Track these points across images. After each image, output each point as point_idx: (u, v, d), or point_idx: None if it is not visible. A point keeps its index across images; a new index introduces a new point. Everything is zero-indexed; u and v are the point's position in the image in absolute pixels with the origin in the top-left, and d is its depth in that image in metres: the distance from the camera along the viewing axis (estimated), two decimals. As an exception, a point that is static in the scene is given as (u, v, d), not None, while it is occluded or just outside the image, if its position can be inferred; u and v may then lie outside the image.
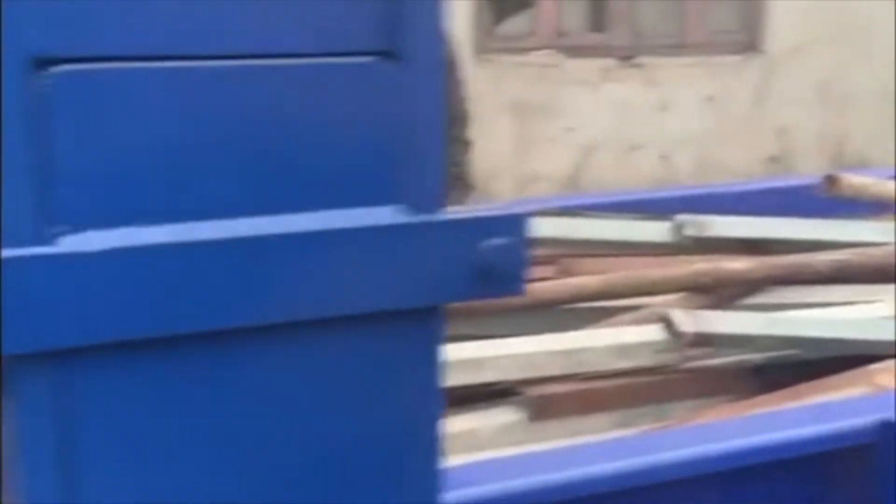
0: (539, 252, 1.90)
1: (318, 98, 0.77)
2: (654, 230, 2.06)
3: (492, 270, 0.82)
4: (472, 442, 1.57)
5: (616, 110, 4.48)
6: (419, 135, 0.80)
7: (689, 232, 2.05)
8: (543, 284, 1.84)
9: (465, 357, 1.64)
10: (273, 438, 0.82)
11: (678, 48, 4.61)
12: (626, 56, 4.53)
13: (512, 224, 0.82)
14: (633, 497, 1.27)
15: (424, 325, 0.83)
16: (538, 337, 1.75)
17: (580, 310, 1.88)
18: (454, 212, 0.82)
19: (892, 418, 1.37)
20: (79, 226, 0.73)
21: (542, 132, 4.37)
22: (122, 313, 0.74)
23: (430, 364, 0.85)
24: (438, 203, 0.81)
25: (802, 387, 1.68)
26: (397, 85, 0.79)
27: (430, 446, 0.87)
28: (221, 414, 0.79)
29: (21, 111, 0.69)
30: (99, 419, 0.78)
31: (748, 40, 4.65)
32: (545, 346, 1.74)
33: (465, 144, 2.80)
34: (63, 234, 0.72)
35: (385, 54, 0.77)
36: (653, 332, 1.80)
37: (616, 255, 2.03)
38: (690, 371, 1.78)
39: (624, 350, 1.78)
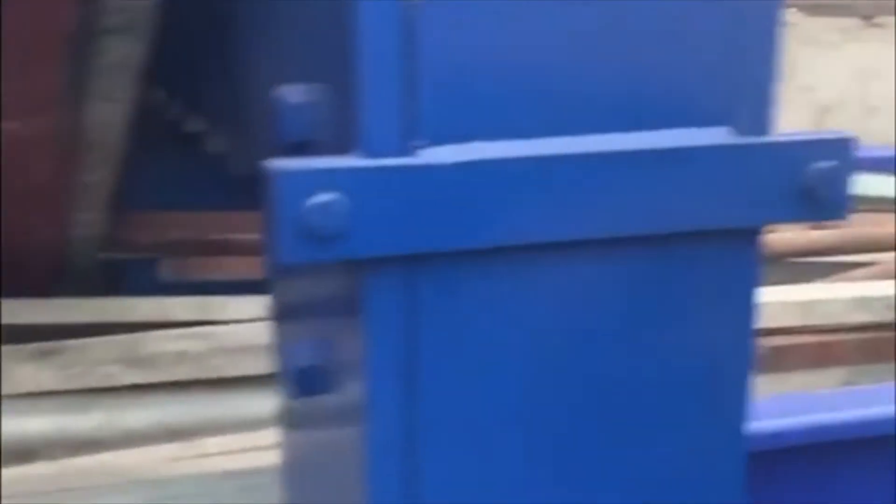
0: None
1: (656, 19, 0.80)
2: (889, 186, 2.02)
3: (815, 195, 0.83)
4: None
5: (855, 71, 4.37)
6: (752, 58, 0.81)
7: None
8: (779, 236, 1.83)
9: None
10: (598, 350, 0.85)
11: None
12: (868, 16, 4.41)
13: (838, 148, 0.83)
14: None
15: (744, 246, 0.85)
16: (774, 288, 1.74)
17: (815, 263, 1.86)
18: (780, 134, 0.83)
19: None
20: (437, 138, 0.77)
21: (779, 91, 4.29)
22: (473, 223, 0.78)
23: (747, 287, 0.86)
24: (767, 125, 0.82)
25: None
26: (732, 9, 0.80)
27: (742, 373, 0.88)
28: (553, 325, 0.83)
29: (394, 20, 0.73)
30: (442, 327, 0.82)
31: None
32: (781, 297, 1.73)
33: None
34: (422, 146, 0.77)
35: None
36: (890, 287, 1.77)
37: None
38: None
39: (861, 303, 1.75)
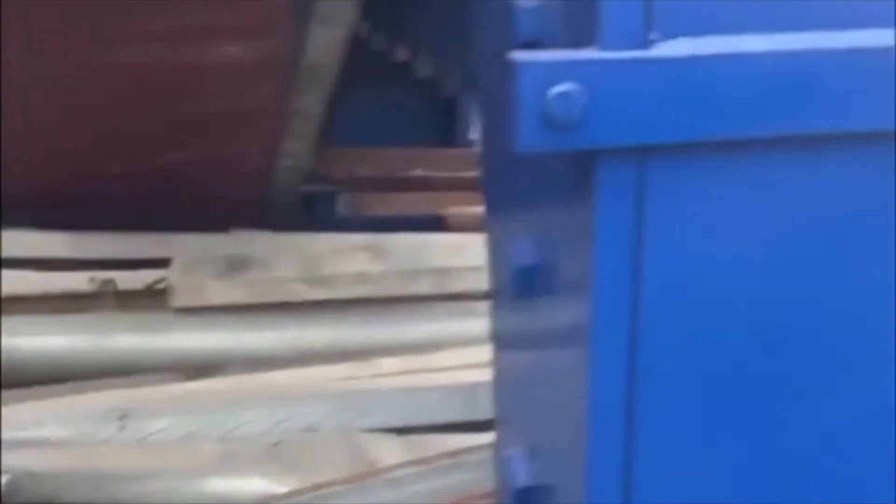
0: None
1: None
2: None
3: None
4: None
5: None
6: None
7: None
8: None
9: None
10: (838, 261, 0.86)
11: None
12: None
13: None
14: None
15: None
16: None
17: None
18: None
19: None
20: (673, 32, 0.79)
21: None
22: (706, 116, 0.80)
23: None
24: None
25: None
26: None
27: None
28: (790, 229, 0.85)
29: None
30: (669, 220, 0.85)
31: None
32: None
33: None
34: (659, 39, 0.79)
35: None
36: None
37: None
38: None
39: None
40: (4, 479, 1.57)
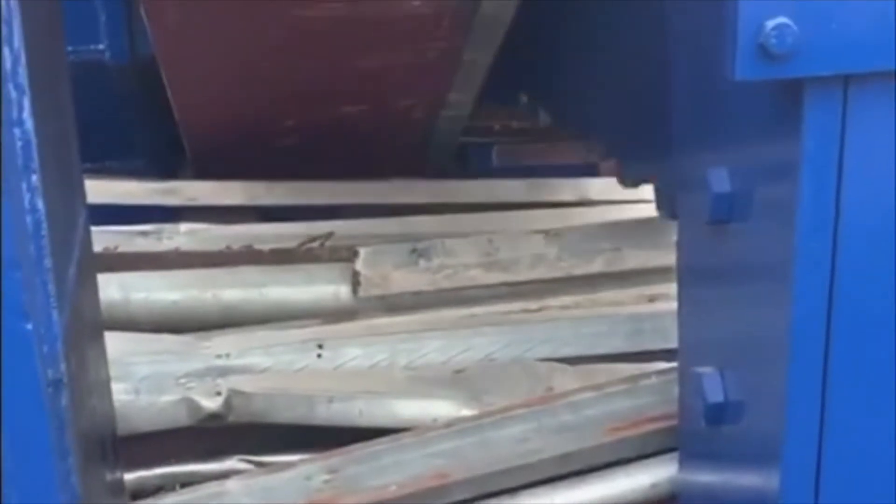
0: None
1: None
2: None
3: None
4: None
5: None
6: None
7: None
8: None
9: None
10: None
11: None
12: None
13: None
14: None
15: None
16: None
17: None
18: None
19: None
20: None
21: None
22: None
23: None
24: None
25: None
26: None
27: None
28: None
29: None
30: (868, 143, 0.94)
31: None
32: None
33: None
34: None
35: None
36: None
37: None
38: None
39: None
40: (221, 398, 1.74)
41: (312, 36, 2.09)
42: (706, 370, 1.28)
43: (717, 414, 1.27)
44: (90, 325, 1.35)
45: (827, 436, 1.10)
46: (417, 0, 1.88)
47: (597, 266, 2.23)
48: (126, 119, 2.83)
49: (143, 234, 2.26)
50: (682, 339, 1.43)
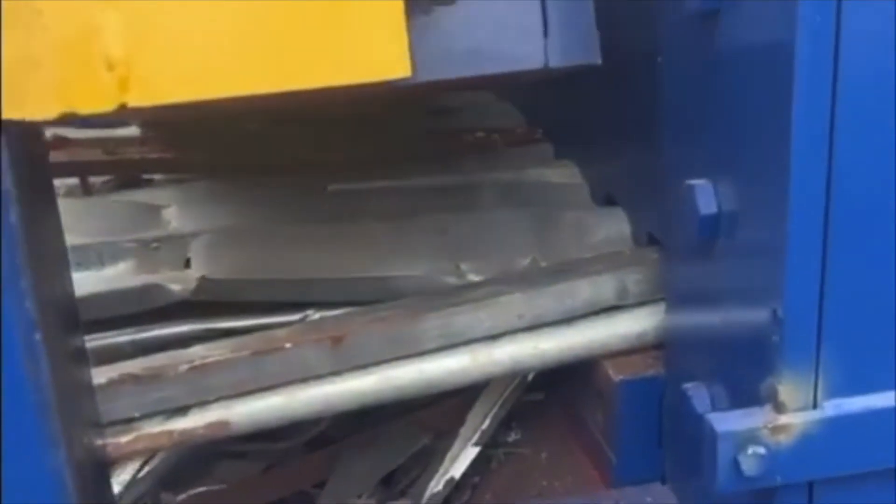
0: None
1: None
2: None
3: None
4: None
5: None
6: None
7: None
8: None
9: None
10: None
11: None
12: None
13: None
14: None
15: None
16: None
17: None
18: None
19: None
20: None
21: None
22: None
23: None
24: None
25: None
26: None
27: None
28: None
29: None
30: None
31: None
32: None
33: None
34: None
35: None
36: None
37: None
38: None
39: None
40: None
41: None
42: (697, 182, 1.22)
43: (710, 228, 1.21)
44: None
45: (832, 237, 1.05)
46: None
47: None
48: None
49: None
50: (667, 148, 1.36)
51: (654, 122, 1.38)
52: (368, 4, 1.01)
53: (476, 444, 1.63)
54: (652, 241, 1.60)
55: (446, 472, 1.63)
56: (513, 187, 1.85)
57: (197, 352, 1.42)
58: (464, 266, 1.62)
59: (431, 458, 1.68)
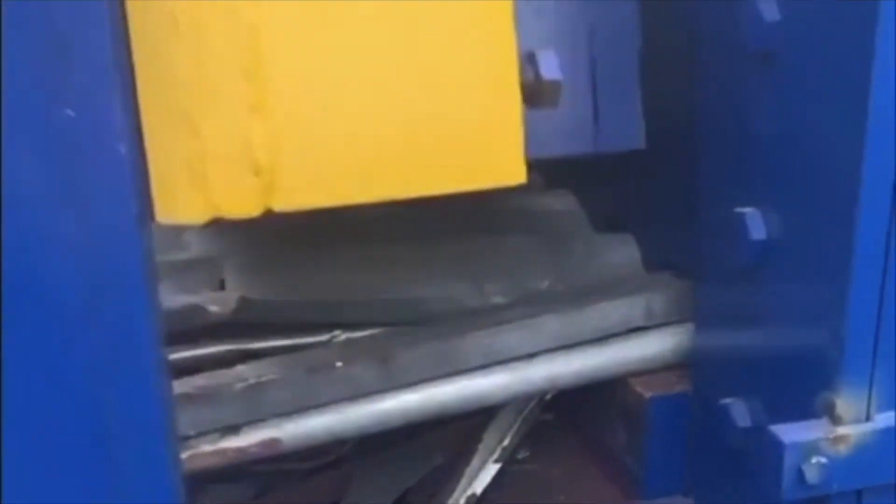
0: None
1: None
2: None
3: None
4: None
5: None
6: None
7: None
8: None
9: None
10: None
11: None
12: None
13: None
14: None
15: None
16: None
17: None
18: None
19: None
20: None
21: None
22: None
23: None
24: None
25: None
26: None
27: None
28: None
29: None
30: None
31: None
32: None
33: None
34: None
35: None
36: None
37: None
38: None
39: None
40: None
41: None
42: (747, 209, 1.30)
43: (761, 252, 1.29)
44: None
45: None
46: None
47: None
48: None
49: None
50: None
51: (681, 157, 1.46)
52: (491, 115, 1.07)
53: (497, 460, 1.69)
54: (665, 265, 1.69)
55: (466, 489, 1.68)
56: (519, 213, 1.92)
57: (247, 371, 1.46)
58: (487, 288, 1.69)
59: (446, 477, 1.73)
